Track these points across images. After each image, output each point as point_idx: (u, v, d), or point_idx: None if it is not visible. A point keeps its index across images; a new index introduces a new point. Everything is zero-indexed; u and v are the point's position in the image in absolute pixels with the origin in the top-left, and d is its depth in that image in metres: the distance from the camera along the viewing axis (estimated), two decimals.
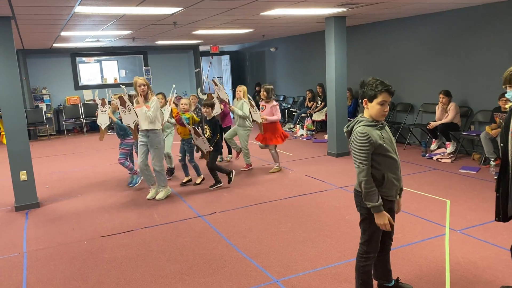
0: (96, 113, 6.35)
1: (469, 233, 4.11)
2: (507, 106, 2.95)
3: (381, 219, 2.70)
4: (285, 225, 4.59)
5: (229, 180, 6.15)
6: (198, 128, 5.85)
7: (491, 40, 6.73)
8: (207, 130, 5.94)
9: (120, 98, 5.39)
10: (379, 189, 2.73)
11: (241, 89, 6.92)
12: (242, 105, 6.77)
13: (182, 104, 6.24)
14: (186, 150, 6.26)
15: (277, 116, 6.63)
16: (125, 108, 5.41)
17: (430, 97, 7.54)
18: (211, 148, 5.83)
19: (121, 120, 5.84)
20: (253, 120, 6.67)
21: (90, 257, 4.04)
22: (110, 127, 6.71)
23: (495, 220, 2.94)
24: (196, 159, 6.57)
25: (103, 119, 6.17)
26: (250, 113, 6.62)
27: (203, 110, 5.97)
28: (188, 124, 6.05)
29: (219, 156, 7.24)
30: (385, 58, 8.76)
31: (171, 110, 6.02)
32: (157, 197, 5.65)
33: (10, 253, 4.24)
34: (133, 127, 5.52)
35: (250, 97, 6.79)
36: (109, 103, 6.14)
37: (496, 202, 2.92)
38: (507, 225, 3.00)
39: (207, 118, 5.97)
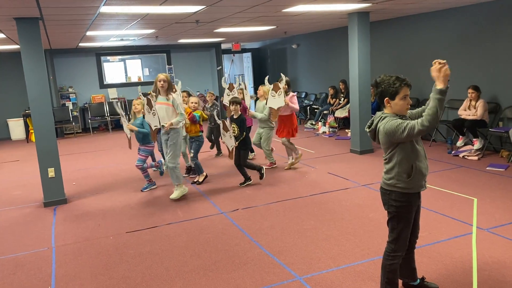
0: (121, 121, 6.41)
1: (497, 232, 4.01)
2: None
3: (443, 80, 2.49)
4: (308, 222, 4.57)
5: (261, 176, 6.14)
6: (226, 121, 5.84)
7: None
8: (235, 128, 5.89)
9: (148, 100, 5.43)
10: (408, 182, 2.70)
11: (263, 89, 6.73)
12: (263, 106, 6.65)
13: (192, 102, 6.19)
14: (193, 148, 6.25)
15: (296, 105, 6.62)
16: (151, 110, 5.45)
17: (457, 93, 7.37)
18: (237, 144, 5.82)
19: (142, 124, 5.88)
20: (269, 107, 6.47)
21: (115, 253, 4.13)
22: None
23: None
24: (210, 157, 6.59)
25: (127, 129, 6.21)
26: (266, 101, 6.52)
27: (231, 107, 5.96)
28: (199, 121, 6.09)
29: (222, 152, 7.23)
30: (410, 54, 8.60)
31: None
32: (171, 196, 5.58)
33: (40, 247, 4.37)
34: (153, 129, 5.55)
35: (280, 84, 6.47)
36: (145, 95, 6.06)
37: None
38: None
39: (234, 117, 5.96)
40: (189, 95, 7.09)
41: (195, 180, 6.34)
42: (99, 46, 11.79)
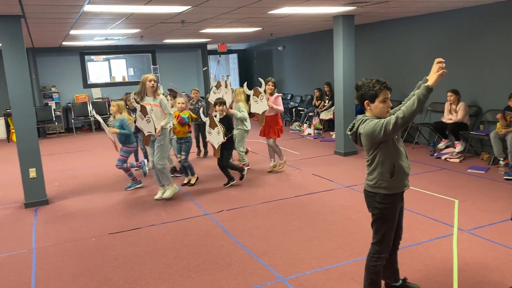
0: (102, 126, 6.34)
1: (477, 233, 4.08)
2: None
3: (436, 77, 2.50)
4: (292, 223, 4.59)
5: (241, 177, 6.15)
6: (215, 117, 5.79)
7: (501, 38, 6.66)
8: (222, 128, 5.89)
9: (142, 107, 5.37)
10: (391, 181, 2.73)
11: (238, 91, 6.77)
12: (239, 107, 6.65)
13: (179, 103, 6.12)
14: (183, 149, 6.17)
15: (281, 106, 6.61)
16: (145, 117, 5.39)
17: (439, 96, 7.49)
18: (225, 139, 5.79)
19: (115, 126, 5.82)
20: (254, 113, 6.48)
21: (98, 254, 4.08)
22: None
23: (511, 220, 2.91)
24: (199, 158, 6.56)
25: (109, 133, 6.12)
26: (249, 110, 6.52)
27: (217, 108, 5.94)
28: (188, 123, 6.04)
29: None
30: (394, 57, 8.71)
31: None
32: (164, 195, 5.64)
33: (19, 249, 4.29)
34: (146, 134, 5.50)
35: (260, 88, 6.46)
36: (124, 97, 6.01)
37: None
38: None
39: (220, 117, 5.94)
40: (174, 97, 7.06)
41: (186, 182, 6.30)
42: (83, 45, 11.65)
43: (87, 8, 5.11)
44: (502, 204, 4.78)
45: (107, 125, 6.07)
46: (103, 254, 4.07)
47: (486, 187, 5.47)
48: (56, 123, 11.95)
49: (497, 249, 3.74)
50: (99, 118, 6.15)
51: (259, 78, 6.64)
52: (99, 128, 12.54)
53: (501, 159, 6.16)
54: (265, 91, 6.49)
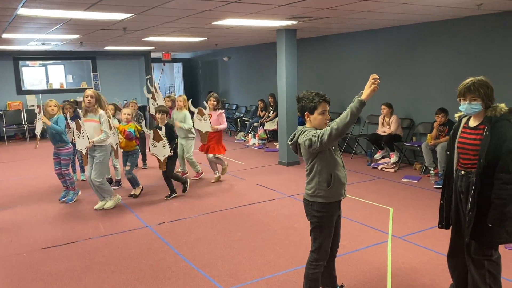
0: (35, 122, 6.05)
1: (410, 240, 4.30)
2: (456, 115, 3.08)
3: (369, 92, 2.66)
4: (235, 234, 4.59)
5: (184, 189, 6.07)
6: (160, 131, 5.67)
7: (432, 55, 7.14)
8: (167, 141, 5.74)
9: (77, 122, 5.19)
10: (328, 190, 2.82)
11: (182, 98, 6.69)
12: (185, 116, 6.59)
13: (125, 114, 5.96)
14: (128, 160, 6.01)
15: (224, 124, 6.60)
16: (80, 133, 5.22)
17: (375, 109, 7.86)
18: (172, 152, 5.69)
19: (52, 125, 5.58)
20: (197, 129, 6.52)
21: (29, 271, 3.85)
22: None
23: (438, 227, 3.10)
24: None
25: (40, 127, 5.89)
26: (193, 123, 6.53)
27: (157, 116, 5.84)
28: (135, 136, 5.89)
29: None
30: (334, 71, 9.04)
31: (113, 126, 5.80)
32: (105, 206, 5.46)
33: None
34: (84, 153, 5.31)
35: (206, 106, 6.58)
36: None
37: (440, 210, 3.08)
38: (445, 231, 3.17)
39: (160, 125, 5.84)
40: (116, 109, 6.87)
41: (131, 194, 6.11)
42: (17, 50, 11.03)
43: (21, 11, 4.87)
44: (432, 211, 5.07)
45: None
46: (35, 270, 3.84)
47: (418, 196, 5.80)
48: None
49: (427, 254, 3.96)
50: (36, 109, 5.82)
51: (204, 102, 6.62)
52: (33, 137, 11.89)
53: (432, 168, 6.56)
54: (214, 103, 6.52)
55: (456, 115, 3.04)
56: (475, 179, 2.72)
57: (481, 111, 2.76)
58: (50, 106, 5.68)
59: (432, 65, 7.15)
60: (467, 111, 2.79)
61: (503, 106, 2.74)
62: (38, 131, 5.89)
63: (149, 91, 7.62)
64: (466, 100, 2.75)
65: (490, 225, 2.69)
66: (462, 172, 2.86)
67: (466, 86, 2.75)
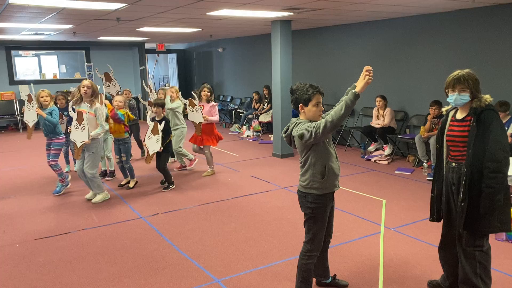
0: (23, 109, 6.01)
1: (402, 231, 4.34)
2: (443, 109, 3.12)
3: (363, 84, 2.66)
4: (229, 225, 4.61)
5: (167, 187, 5.94)
6: (160, 125, 5.61)
7: (426, 48, 7.15)
8: (161, 138, 5.70)
9: (79, 114, 5.11)
10: (322, 182, 2.83)
11: (174, 90, 6.70)
12: (178, 107, 6.61)
13: (116, 101, 5.92)
14: (121, 151, 5.98)
15: (216, 117, 6.55)
16: (80, 126, 5.15)
17: (370, 102, 7.88)
18: (161, 149, 5.67)
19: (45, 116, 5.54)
20: (191, 121, 6.48)
21: (22, 261, 3.84)
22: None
23: (429, 220, 3.13)
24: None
25: (30, 116, 5.83)
26: (187, 113, 6.49)
27: (153, 109, 5.81)
28: (124, 121, 5.84)
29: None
30: (329, 63, 9.03)
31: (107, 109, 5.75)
32: (93, 200, 5.42)
33: None
34: (79, 146, 5.23)
35: (194, 96, 6.56)
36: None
37: (431, 203, 3.11)
38: (436, 223, 3.21)
39: (156, 118, 5.82)
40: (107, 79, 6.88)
41: (124, 183, 6.10)
42: (9, 39, 10.91)
43: (13, 0, 4.81)
44: (424, 203, 5.11)
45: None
46: (28, 261, 3.84)
47: (411, 188, 5.84)
48: None
49: (418, 245, 4.00)
50: (25, 97, 5.79)
51: (191, 92, 6.61)
52: (26, 128, 11.80)
53: (425, 161, 6.60)
54: (200, 97, 6.48)
55: (444, 109, 3.08)
56: (465, 170, 2.75)
57: (467, 102, 2.79)
58: (43, 97, 5.64)
59: (426, 58, 7.16)
60: (456, 102, 2.82)
61: (487, 97, 2.77)
62: (30, 121, 5.84)
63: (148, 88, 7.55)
64: (455, 91, 2.79)
65: (482, 214, 2.72)
66: (453, 164, 2.89)
67: (456, 77, 2.79)
